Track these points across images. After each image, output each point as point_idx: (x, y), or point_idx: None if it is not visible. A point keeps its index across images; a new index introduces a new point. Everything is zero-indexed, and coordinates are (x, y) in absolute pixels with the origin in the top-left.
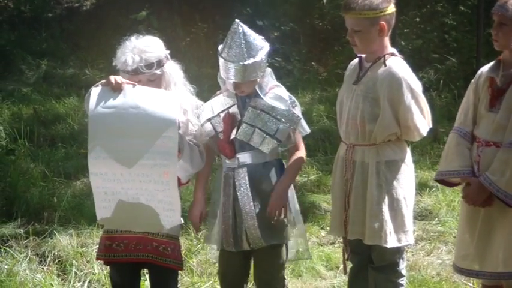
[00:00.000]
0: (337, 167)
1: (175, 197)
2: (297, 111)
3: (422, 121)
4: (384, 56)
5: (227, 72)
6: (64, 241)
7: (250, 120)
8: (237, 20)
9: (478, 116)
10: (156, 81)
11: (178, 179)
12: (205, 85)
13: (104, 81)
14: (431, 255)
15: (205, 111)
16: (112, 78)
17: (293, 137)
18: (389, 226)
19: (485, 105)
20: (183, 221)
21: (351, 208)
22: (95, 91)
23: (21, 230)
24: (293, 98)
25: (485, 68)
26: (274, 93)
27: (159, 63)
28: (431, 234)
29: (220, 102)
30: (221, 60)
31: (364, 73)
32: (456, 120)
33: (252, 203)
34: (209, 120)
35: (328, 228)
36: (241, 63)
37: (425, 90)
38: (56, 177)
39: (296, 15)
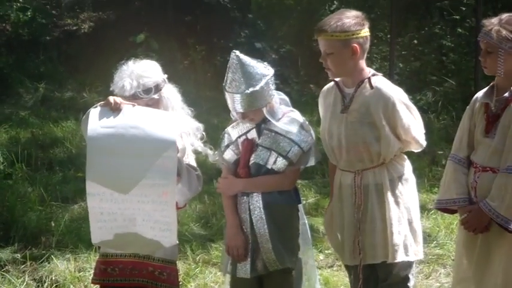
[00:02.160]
0: (346, 196)
1: (173, 217)
2: (311, 135)
3: (420, 131)
4: (369, 78)
5: (232, 103)
6: (61, 266)
7: (266, 143)
8: (233, 51)
9: (475, 142)
10: (154, 106)
11: (176, 203)
12: (203, 107)
13: (102, 102)
14: (430, 278)
15: (224, 139)
16: (111, 98)
17: (306, 159)
18: (410, 240)
19: (481, 131)
20: (178, 242)
21: (368, 232)
22: (94, 111)
23: (19, 255)
24: (307, 122)
25: (480, 94)
26: (289, 116)
27: (157, 88)
28: (430, 257)
29: (237, 128)
30: (225, 94)
31: (350, 100)
32: (452, 147)
33: (265, 226)
34: (228, 146)
35: (326, 251)
36: (241, 94)
37: (424, 113)
38: (53, 201)
39: (294, 37)
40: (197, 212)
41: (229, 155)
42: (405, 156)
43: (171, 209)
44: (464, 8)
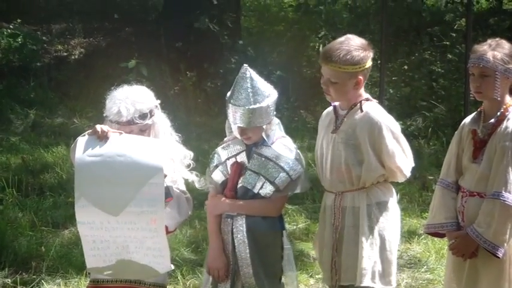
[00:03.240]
0: (326, 216)
1: (164, 244)
2: (301, 163)
3: (405, 162)
4: (360, 102)
5: (234, 116)
6: None
7: (255, 167)
8: (245, 65)
9: (463, 167)
10: (147, 131)
11: (166, 227)
12: (193, 133)
13: (90, 131)
14: None
15: (213, 159)
16: (98, 127)
17: (293, 187)
18: (379, 267)
19: (468, 156)
20: (173, 267)
21: (343, 254)
22: (81, 140)
23: (9, 280)
24: (298, 151)
25: (467, 120)
26: (281, 143)
27: (151, 113)
28: (420, 281)
29: (227, 150)
30: (229, 105)
31: (341, 121)
32: (441, 172)
33: (247, 251)
34: (217, 167)
35: (317, 276)
36: (247, 108)
37: (413, 138)
38: (44, 226)
39: (284, 63)
40: (188, 236)
41: (217, 175)
42: (390, 185)
43: (161, 235)
44: (454, 34)
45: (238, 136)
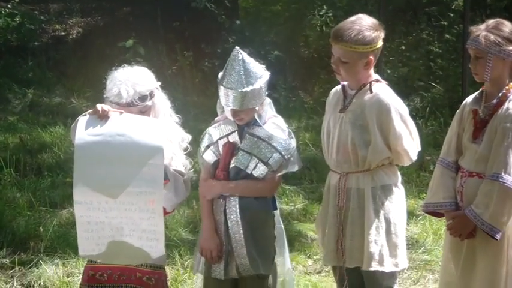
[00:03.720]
0: (329, 196)
1: (160, 226)
2: (293, 142)
3: (412, 145)
4: (370, 82)
5: (226, 99)
6: (50, 271)
7: (248, 147)
8: (237, 47)
9: (463, 147)
10: (147, 113)
11: (164, 209)
12: (191, 114)
13: (90, 110)
14: (418, 284)
15: (204, 139)
16: (99, 106)
17: (286, 166)
18: (386, 251)
19: (468, 136)
20: (164, 253)
21: (348, 236)
22: (82, 119)
23: (7, 260)
24: (290, 129)
25: (469, 99)
26: (273, 122)
27: (151, 95)
28: (418, 263)
29: (219, 129)
30: (220, 88)
31: (350, 101)
32: (441, 151)
33: (241, 231)
34: (208, 147)
35: (315, 257)
36: (240, 90)
37: (412, 118)
38: (42, 206)
39: (282, 43)
40: (185, 217)
41: (209, 156)
42: (396, 168)
43: (158, 217)
44: (452, 14)
45: (230, 118)
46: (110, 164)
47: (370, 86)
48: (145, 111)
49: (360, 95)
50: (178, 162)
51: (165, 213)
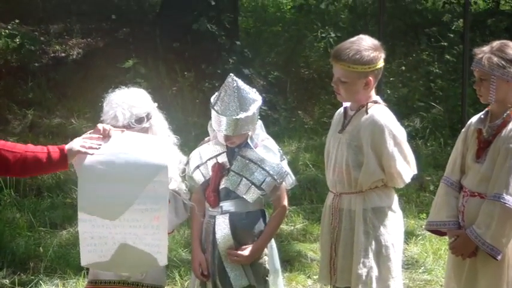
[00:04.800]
0: (325, 215)
1: (164, 240)
2: (285, 165)
3: (406, 168)
4: (366, 104)
5: (219, 124)
6: None
7: (238, 169)
8: (231, 74)
9: (466, 167)
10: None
11: None
12: (191, 134)
13: (92, 130)
14: None
15: (193, 159)
16: (100, 125)
17: (278, 190)
18: (375, 272)
19: (472, 156)
20: (167, 263)
21: (339, 256)
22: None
23: (7, 281)
24: (281, 151)
25: (474, 119)
26: (265, 145)
27: (147, 117)
28: (418, 282)
29: (209, 150)
30: (213, 113)
31: (348, 121)
32: (446, 170)
33: (232, 242)
34: (198, 167)
35: (314, 277)
36: (234, 117)
37: (411, 139)
38: (42, 226)
39: (282, 64)
40: (185, 237)
41: (198, 176)
42: (390, 191)
43: (162, 232)
44: (451, 35)
45: (222, 142)
46: (114, 182)
47: (367, 108)
48: (142, 133)
49: (357, 116)
50: (176, 183)
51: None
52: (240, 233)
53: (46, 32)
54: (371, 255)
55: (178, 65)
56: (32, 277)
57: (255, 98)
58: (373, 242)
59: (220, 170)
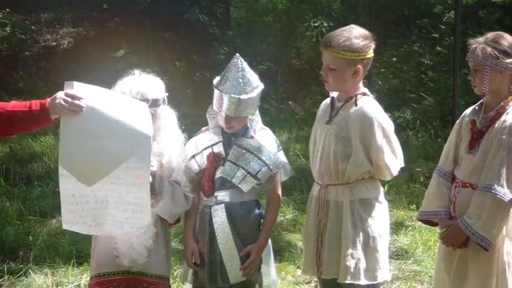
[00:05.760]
0: (311, 207)
1: (146, 199)
2: (281, 155)
3: (394, 161)
4: (356, 95)
5: (220, 105)
6: (39, 280)
7: (235, 158)
8: (237, 54)
9: (459, 157)
10: None
11: (166, 221)
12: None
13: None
14: None
15: (189, 148)
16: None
17: (274, 180)
18: (363, 264)
19: (465, 146)
20: (152, 222)
21: (326, 247)
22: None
23: None
24: (278, 141)
25: (468, 110)
26: (261, 135)
27: (154, 103)
28: (407, 273)
29: (205, 139)
30: (216, 92)
31: (336, 113)
32: (439, 160)
33: (231, 237)
34: (193, 157)
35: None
36: (237, 97)
37: (402, 130)
38: (31, 215)
39: (273, 54)
40: (176, 227)
41: (193, 165)
42: (377, 182)
43: (144, 191)
44: (443, 27)
45: (222, 124)
46: (97, 138)
47: (356, 99)
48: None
49: (345, 107)
50: (177, 175)
51: (169, 225)
52: (237, 222)
53: (37, 21)
54: (359, 246)
55: (170, 55)
56: (21, 266)
57: (258, 83)
58: (361, 234)
59: (215, 160)
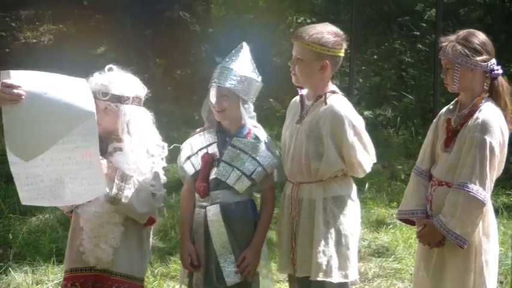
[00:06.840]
0: (284, 206)
1: (100, 173)
2: (275, 155)
3: (366, 157)
4: (325, 94)
5: (219, 76)
6: (19, 278)
7: (229, 159)
8: (244, 42)
9: (436, 156)
10: (111, 117)
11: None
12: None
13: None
14: None
15: (184, 150)
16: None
17: (269, 180)
18: (335, 262)
19: (441, 145)
20: (108, 191)
21: (299, 245)
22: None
23: None
24: (271, 140)
25: (445, 109)
26: (255, 134)
27: (118, 99)
28: (388, 271)
29: (199, 140)
30: (218, 68)
31: (306, 112)
32: (417, 160)
33: (227, 239)
34: (188, 158)
35: None
36: (240, 73)
37: (383, 128)
38: (11, 213)
39: (254, 51)
40: (156, 224)
41: (189, 167)
42: (350, 180)
43: (96, 166)
44: (424, 25)
45: (213, 99)
46: (41, 123)
47: (325, 98)
48: (109, 114)
49: (316, 106)
50: (151, 174)
51: (144, 224)
52: (232, 223)
53: (17, 17)
54: (331, 244)
55: (150, 52)
56: (1, 264)
57: (258, 77)
58: (333, 231)
59: (210, 161)
